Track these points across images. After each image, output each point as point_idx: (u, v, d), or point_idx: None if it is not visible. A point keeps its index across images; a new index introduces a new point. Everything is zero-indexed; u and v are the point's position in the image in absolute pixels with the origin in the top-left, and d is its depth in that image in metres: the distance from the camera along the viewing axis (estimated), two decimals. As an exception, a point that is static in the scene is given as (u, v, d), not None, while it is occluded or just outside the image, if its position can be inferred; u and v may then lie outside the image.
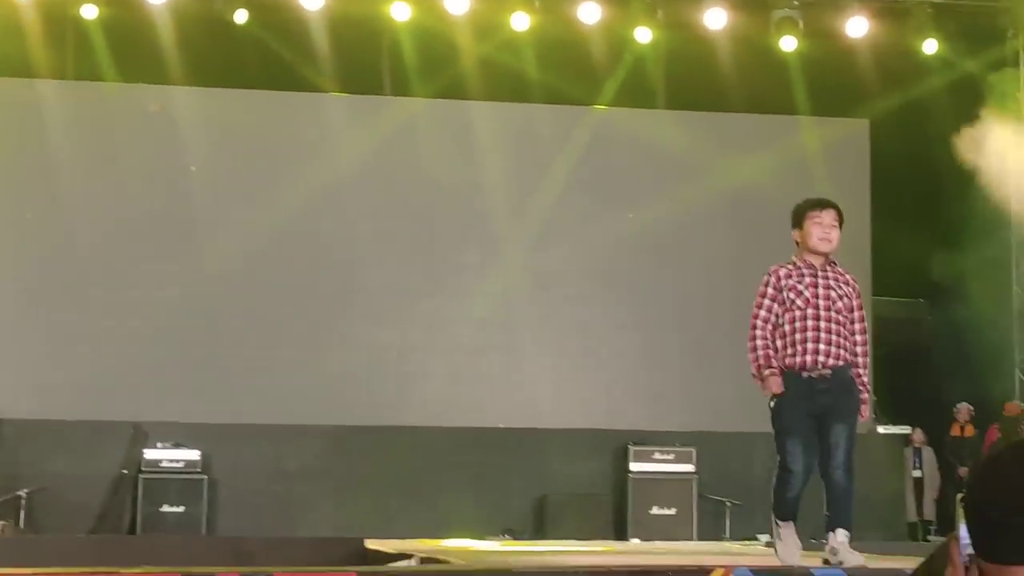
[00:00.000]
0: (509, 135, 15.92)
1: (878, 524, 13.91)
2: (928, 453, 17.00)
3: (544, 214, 15.74)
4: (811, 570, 6.64)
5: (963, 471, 16.44)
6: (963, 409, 17.05)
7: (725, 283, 15.50)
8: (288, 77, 15.24)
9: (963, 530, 3.15)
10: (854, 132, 16.30)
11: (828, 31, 15.42)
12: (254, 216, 15.27)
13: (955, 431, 17.19)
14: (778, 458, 7.53)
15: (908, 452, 16.53)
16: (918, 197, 16.10)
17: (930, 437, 17.15)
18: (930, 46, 15.64)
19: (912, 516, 16.53)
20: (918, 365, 16.65)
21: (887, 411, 15.80)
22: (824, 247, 7.67)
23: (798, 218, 7.76)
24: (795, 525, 7.52)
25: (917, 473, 16.80)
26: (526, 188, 15.74)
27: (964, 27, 15.83)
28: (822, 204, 7.78)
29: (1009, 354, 17.10)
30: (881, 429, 15.08)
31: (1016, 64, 16.93)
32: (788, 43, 15.41)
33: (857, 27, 15.29)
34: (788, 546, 7.45)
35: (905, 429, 15.53)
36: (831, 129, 16.32)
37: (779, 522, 7.54)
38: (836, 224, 7.73)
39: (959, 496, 3.38)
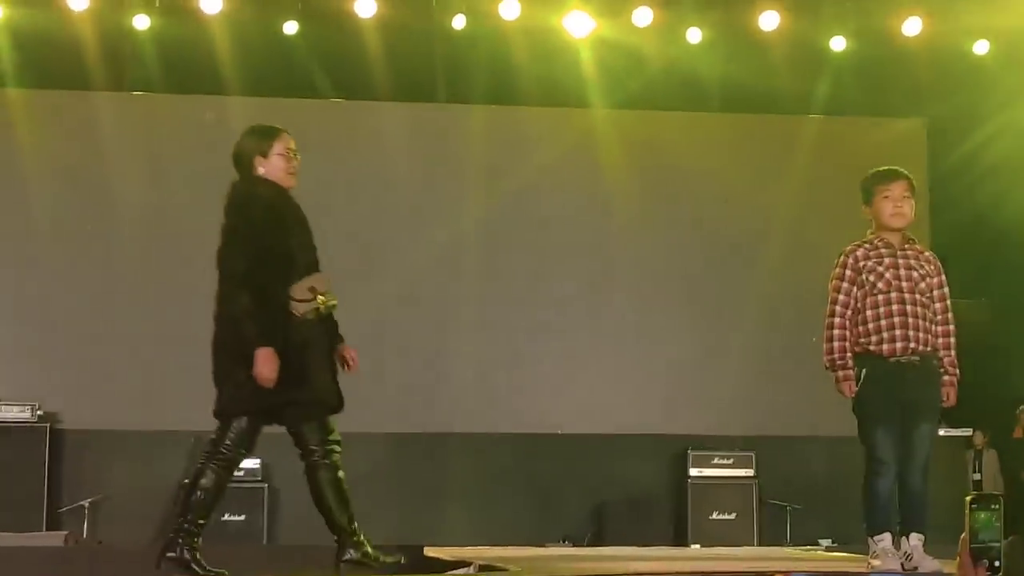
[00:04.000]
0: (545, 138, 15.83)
1: (941, 528, 13.73)
2: (990, 456, 16.81)
3: (598, 217, 15.67)
4: (874, 576, 6.43)
5: (1024, 475, 16.26)
6: (1026, 411, 16.86)
7: (784, 283, 15.39)
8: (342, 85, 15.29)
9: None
10: (910, 132, 16.16)
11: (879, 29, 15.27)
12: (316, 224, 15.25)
13: (1018, 433, 16.99)
14: (867, 452, 7.07)
15: (970, 455, 16.36)
16: (976, 198, 15.93)
17: (993, 439, 16.96)
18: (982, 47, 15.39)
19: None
20: (980, 366, 16.47)
21: (948, 413, 15.62)
22: (898, 222, 7.22)
23: (867, 194, 7.31)
24: (893, 538, 7.02)
25: (976, 476, 16.61)
26: (580, 191, 15.68)
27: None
28: (890, 176, 7.32)
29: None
30: (942, 432, 14.89)
31: None
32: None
33: (912, 27, 15.12)
34: (890, 563, 6.92)
35: (967, 431, 15.36)
36: (886, 130, 16.19)
37: (875, 537, 7.03)
38: (908, 195, 7.27)
39: (967, 498, 3.29)
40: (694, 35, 15.00)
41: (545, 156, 15.65)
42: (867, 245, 7.25)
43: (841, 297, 7.17)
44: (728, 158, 15.83)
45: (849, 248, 7.28)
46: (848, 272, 7.20)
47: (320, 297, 7.29)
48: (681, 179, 15.86)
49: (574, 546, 13.86)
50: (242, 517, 13.95)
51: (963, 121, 15.84)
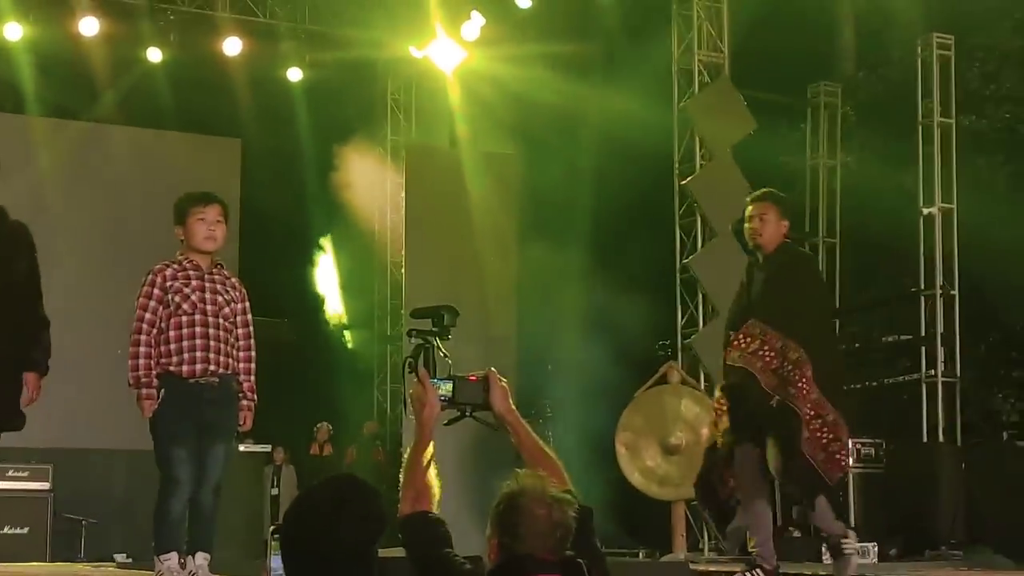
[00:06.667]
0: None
1: (237, 542, 13.92)
2: (288, 471, 17.22)
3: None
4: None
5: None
6: (323, 428, 17.40)
7: (94, 292, 15.11)
8: None
9: (275, 561, 3.20)
10: (226, 151, 16.35)
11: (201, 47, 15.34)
12: None
13: (314, 450, 17.52)
14: (161, 471, 7.05)
15: (269, 470, 16.66)
16: (286, 217, 16.40)
17: (291, 456, 17.38)
18: (295, 74, 15.90)
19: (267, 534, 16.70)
20: (281, 385, 16.92)
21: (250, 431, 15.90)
22: (209, 245, 7.25)
23: (180, 214, 7.29)
24: (180, 556, 7.03)
25: (275, 491, 16.98)
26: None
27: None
28: (206, 199, 7.33)
29: (370, 375, 17.68)
30: (243, 447, 15.11)
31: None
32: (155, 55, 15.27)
33: (231, 46, 15.28)
34: None
35: (266, 447, 15.66)
36: (203, 147, 16.30)
37: (161, 556, 7.00)
38: (221, 220, 7.30)
39: (272, 528, 3.39)
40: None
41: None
42: (176, 265, 7.26)
43: (147, 315, 7.14)
44: (45, 165, 15.40)
45: (158, 267, 7.25)
46: (155, 291, 7.17)
47: None
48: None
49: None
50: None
51: (276, 142, 16.24)
